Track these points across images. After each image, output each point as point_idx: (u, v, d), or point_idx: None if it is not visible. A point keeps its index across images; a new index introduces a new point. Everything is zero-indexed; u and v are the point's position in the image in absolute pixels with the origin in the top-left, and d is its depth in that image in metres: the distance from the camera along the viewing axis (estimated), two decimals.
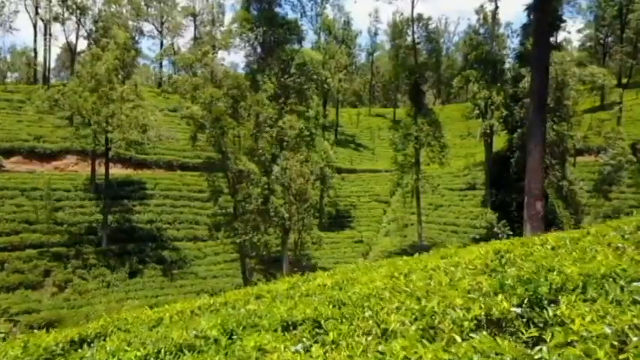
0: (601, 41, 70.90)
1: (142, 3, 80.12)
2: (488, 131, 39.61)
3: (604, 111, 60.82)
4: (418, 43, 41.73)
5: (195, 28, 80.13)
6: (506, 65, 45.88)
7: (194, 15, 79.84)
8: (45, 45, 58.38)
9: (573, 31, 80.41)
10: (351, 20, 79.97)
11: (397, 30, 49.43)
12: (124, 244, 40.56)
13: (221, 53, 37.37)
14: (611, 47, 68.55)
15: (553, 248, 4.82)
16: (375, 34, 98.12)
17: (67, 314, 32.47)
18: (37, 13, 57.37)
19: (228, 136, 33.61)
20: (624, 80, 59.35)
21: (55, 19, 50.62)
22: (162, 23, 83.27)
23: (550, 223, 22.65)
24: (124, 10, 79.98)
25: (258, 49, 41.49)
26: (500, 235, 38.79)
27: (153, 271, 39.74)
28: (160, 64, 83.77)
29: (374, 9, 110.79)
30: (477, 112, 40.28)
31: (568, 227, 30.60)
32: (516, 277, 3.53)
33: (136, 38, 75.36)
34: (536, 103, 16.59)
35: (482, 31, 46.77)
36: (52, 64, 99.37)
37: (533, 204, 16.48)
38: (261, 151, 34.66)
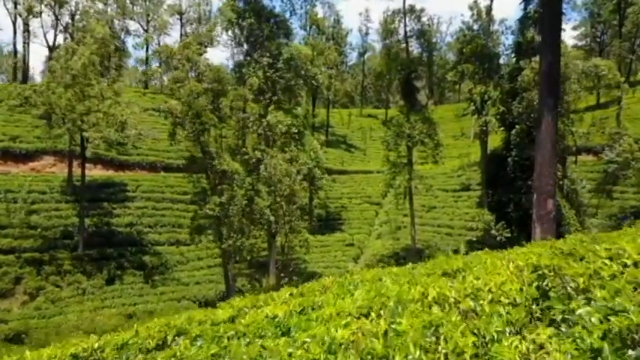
0: (597, 39, 69.41)
1: (128, 1, 78.46)
2: (484, 128, 37.76)
3: (600, 109, 59.31)
4: (410, 36, 39.91)
5: (181, 27, 78.07)
6: (501, 62, 44.31)
7: (180, 13, 77.77)
8: (24, 42, 56.22)
9: (568, 28, 78.85)
10: (341, 19, 78.31)
11: (388, 29, 47.62)
12: (102, 248, 38.42)
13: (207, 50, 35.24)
14: (608, 44, 67.01)
15: (637, 264, 2.95)
16: (366, 33, 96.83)
17: (36, 325, 30.35)
18: (15, 8, 55.08)
19: (210, 133, 31.60)
20: (622, 78, 57.45)
21: (29, 11, 48.19)
22: (148, 22, 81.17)
23: (557, 224, 20.81)
24: (110, 10, 78.53)
25: (245, 47, 39.67)
26: (498, 238, 37.00)
27: (132, 277, 37.65)
28: (146, 64, 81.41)
29: (365, 8, 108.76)
30: (473, 108, 38.48)
31: (575, 229, 28.82)
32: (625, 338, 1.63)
33: (122, 37, 73.49)
34: (546, 87, 14.57)
35: (475, 27, 45.06)
36: (42, 67, 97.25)
37: (544, 202, 14.39)
38: (244, 149, 32.68)
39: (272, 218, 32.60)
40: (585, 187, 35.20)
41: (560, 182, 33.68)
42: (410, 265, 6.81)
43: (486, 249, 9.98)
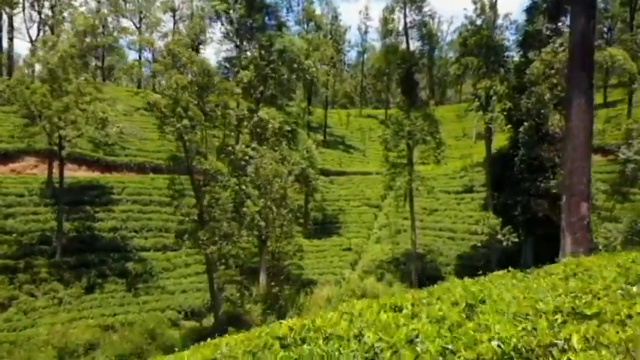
0: (604, 35, 66.84)
1: None
2: (490, 125, 35.27)
3: (608, 108, 56.83)
4: (411, 27, 37.48)
5: (174, 24, 75.69)
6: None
7: (173, 10, 75.37)
8: (8, 37, 53.70)
9: None
10: (339, 15, 76.03)
11: (388, 24, 45.30)
12: (82, 255, 35.98)
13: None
14: (615, 40, 64.42)
15: None
16: (366, 32, 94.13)
17: (5, 338, 27.86)
18: None
19: (195, 130, 29.21)
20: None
21: (4, 1, 45.46)
22: (140, 19, 78.94)
23: None
24: (103, 9, 76.70)
25: (236, 41, 37.40)
26: (504, 243, 34.64)
27: (114, 285, 35.19)
28: (139, 62, 79.06)
29: (364, 6, 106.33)
30: (478, 104, 35.99)
31: (596, 237, 26.38)
32: None
33: (116, 35, 71.48)
34: (578, 60, 11.91)
35: (479, 22, 42.67)
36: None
37: (577, 206, 11.74)
38: (231, 148, 30.29)
39: (262, 223, 30.20)
40: (599, 188, 32.78)
41: None
42: (410, 307, 4.44)
43: (511, 270, 7.63)
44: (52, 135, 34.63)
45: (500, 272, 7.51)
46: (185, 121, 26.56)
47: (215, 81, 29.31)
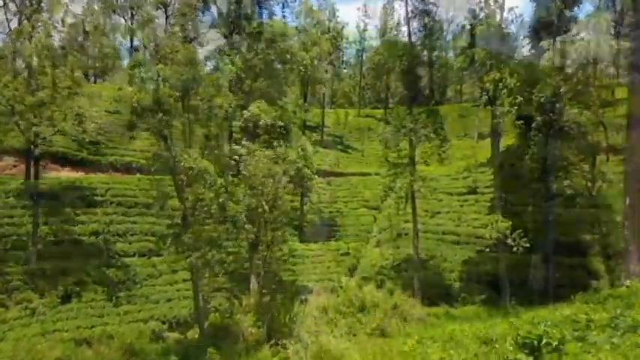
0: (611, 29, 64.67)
1: None
2: (499, 121, 32.67)
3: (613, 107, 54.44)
4: (413, 17, 35.04)
5: (166, 19, 73.01)
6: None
7: (165, 5, 72.76)
8: None
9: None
10: (336, 12, 73.73)
11: (388, 25, 42.93)
12: (60, 261, 33.44)
13: None
14: (623, 35, 62.30)
15: None
16: (365, 29, 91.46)
17: None
18: None
19: (177, 126, 26.78)
20: None
21: None
22: (132, 16, 76.59)
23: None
24: (96, 7, 74.16)
25: (226, 33, 35.08)
26: (514, 249, 32.11)
27: (93, 294, 32.63)
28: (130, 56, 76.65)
29: (363, 3, 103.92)
30: (486, 98, 33.46)
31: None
32: None
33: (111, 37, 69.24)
34: None
35: (482, 15, 40.24)
36: None
37: None
38: (216, 144, 27.85)
39: (248, 226, 27.71)
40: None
41: (589, 184, 28.85)
42: None
43: (588, 313, 5.15)
44: (27, 132, 32.08)
45: (566, 312, 5.01)
46: (160, 115, 24.09)
47: (201, 73, 26.92)
